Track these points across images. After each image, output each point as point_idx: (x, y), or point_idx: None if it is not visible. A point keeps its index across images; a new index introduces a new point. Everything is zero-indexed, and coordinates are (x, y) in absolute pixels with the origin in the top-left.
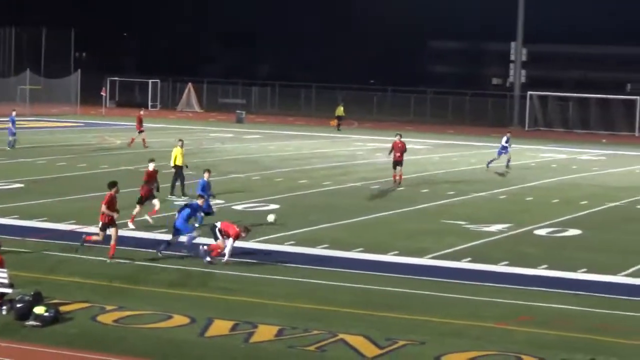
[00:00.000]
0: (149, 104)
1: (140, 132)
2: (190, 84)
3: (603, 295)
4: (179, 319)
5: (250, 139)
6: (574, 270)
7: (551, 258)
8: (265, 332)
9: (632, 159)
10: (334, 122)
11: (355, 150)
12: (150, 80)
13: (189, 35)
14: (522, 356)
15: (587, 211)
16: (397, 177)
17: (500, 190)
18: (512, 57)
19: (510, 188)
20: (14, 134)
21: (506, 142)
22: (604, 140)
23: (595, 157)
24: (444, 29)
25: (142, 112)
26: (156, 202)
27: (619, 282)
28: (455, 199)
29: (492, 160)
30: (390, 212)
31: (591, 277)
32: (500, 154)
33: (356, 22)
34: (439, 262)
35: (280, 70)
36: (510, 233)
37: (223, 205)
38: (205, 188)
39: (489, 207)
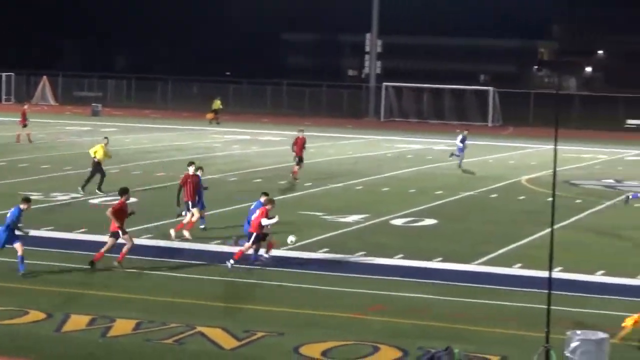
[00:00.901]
0: (3, 97)
1: (24, 126)
2: (44, 77)
3: (458, 283)
4: (34, 315)
5: (106, 132)
6: (430, 259)
7: (407, 248)
8: (122, 326)
9: (485, 148)
10: (211, 116)
11: (213, 142)
12: (3, 74)
13: (44, 27)
14: (380, 345)
15: (443, 201)
16: (294, 172)
17: (356, 181)
18: (367, 49)
19: (367, 179)
20: None
21: (461, 140)
22: (457, 131)
23: (450, 147)
24: (298, 21)
25: (26, 107)
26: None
27: (473, 270)
28: (313, 190)
29: (460, 161)
30: (248, 204)
31: (446, 266)
32: (461, 151)
33: (212, 15)
34: (296, 253)
35: (136, 63)
36: (366, 223)
37: (81, 199)
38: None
39: (345, 198)
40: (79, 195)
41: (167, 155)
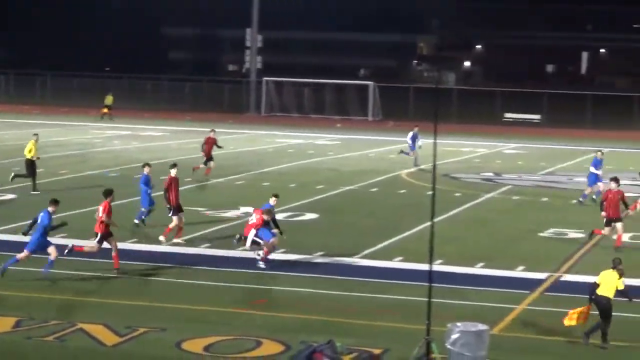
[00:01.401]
0: None
1: None
2: None
3: (340, 277)
4: None
5: None
6: (311, 253)
7: (289, 242)
8: (2, 324)
9: (366, 143)
10: (104, 111)
11: (92, 138)
12: None
13: None
14: (262, 339)
15: (323, 195)
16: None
17: (237, 176)
18: (248, 44)
19: (247, 174)
20: None
21: (412, 138)
22: (338, 125)
23: (331, 141)
24: (178, 15)
25: None
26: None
27: (354, 264)
28: (193, 185)
29: (415, 158)
30: (129, 199)
31: (328, 260)
32: (412, 149)
33: (91, 9)
34: (177, 248)
35: (14, 58)
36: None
37: None
38: (148, 183)
39: (226, 193)
40: None
41: (46, 152)
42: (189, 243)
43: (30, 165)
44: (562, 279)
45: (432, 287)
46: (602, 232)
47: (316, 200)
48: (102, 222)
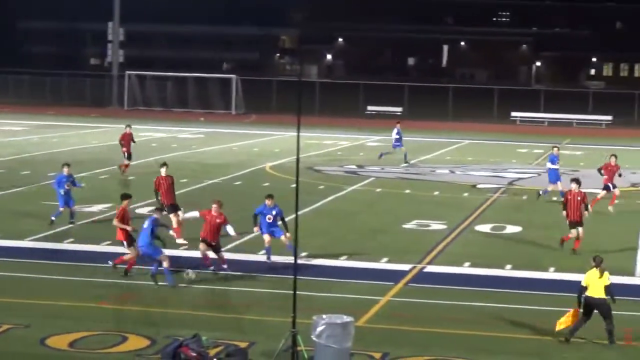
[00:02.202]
0: None
1: None
2: None
3: (205, 271)
4: None
5: None
6: (176, 248)
7: None
8: None
9: (229, 136)
10: None
11: None
12: None
13: None
14: (127, 335)
15: (188, 189)
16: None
17: (102, 170)
18: (110, 37)
19: (111, 168)
20: None
21: (397, 134)
22: (201, 119)
23: (194, 135)
24: (38, 8)
25: None
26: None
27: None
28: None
29: (385, 153)
30: None
31: (190, 254)
32: (395, 147)
33: None
34: (41, 244)
35: None
36: (111, 213)
37: None
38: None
39: (90, 187)
40: None
41: None
42: (52, 238)
43: None
44: (425, 270)
45: (297, 279)
46: (570, 236)
47: (180, 194)
48: (120, 228)
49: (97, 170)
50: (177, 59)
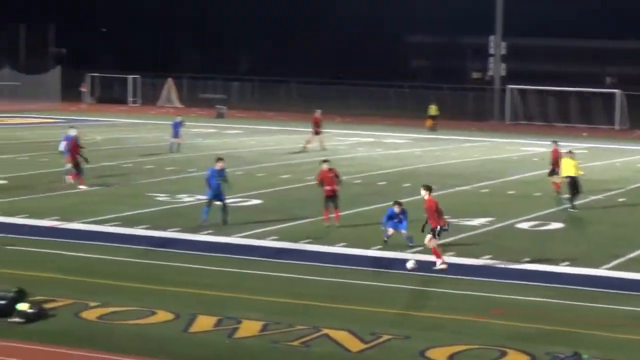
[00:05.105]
0: (129, 99)
1: (317, 134)
2: (170, 79)
3: (583, 288)
4: (162, 315)
5: (231, 134)
6: (557, 263)
7: (533, 251)
8: (249, 328)
9: (612, 152)
10: (430, 123)
11: (337, 145)
12: (130, 76)
13: (168, 29)
14: (507, 349)
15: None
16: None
17: (481, 184)
18: (491, 51)
19: (491, 182)
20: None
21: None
22: (584, 134)
23: (576, 150)
24: (419, 23)
25: (317, 114)
26: None
27: (598, 274)
28: (437, 192)
29: None
30: (374, 206)
31: (573, 270)
32: None
33: (332, 17)
34: (424, 256)
35: (259, 65)
36: (492, 227)
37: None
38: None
39: (470, 201)
40: (205, 197)
41: (290, 158)
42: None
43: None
44: None
45: None
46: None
47: (561, 209)
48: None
49: (478, 184)
50: (557, 73)
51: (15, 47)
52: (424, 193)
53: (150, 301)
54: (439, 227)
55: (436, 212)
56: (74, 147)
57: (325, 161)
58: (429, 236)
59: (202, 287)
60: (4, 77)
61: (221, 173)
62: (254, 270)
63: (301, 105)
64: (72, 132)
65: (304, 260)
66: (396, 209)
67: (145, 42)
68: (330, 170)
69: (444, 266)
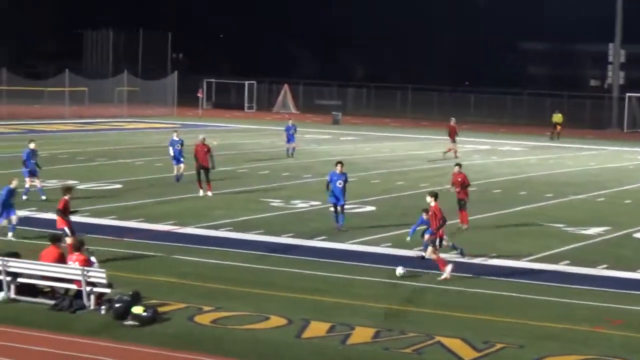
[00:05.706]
0: (245, 105)
1: (454, 141)
2: (286, 86)
3: None
4: (275, 320)
5: (346, 141)
6: None
7: None
8: (361, 334)
9: None
10: (556, 129)
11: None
12: (246, 82)
13: (283, 36)
14: None
15: None
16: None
17: (597, 192)
18: (610, 59)
19: (608, 191)
20: None
21: None
22: None
23: None
24: (539, 29)
25: (452, 122)
26: None
27: None
28: (553, 201)
29: None
30: (489, 214)
31: None
32: None
33: (449, 23)
34: (537, 265)
35: (375, 72)
36: (608, 236)
37: (324, 206)
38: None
39: (586, 210)
40: (318, 203)
41: (405, 165)
42: (546, 259)
43: None
44: None
45: None
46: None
47: None
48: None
49: (594, 193)
50: None
51: (133, 52)
52: (429, 200)
53: (264, 306)
54: (438, 238)
55: (440, 219)
56: (204, 153)
57: (458, 165)
58: (430, 248)
59: (314, 293)
60: (123, 83)
61: (341, 177)
62: (365, 277)
63: (417, 112)
64: (200, 137)
65: (415, 267)
66: (425, 216)
67: (261, 48)
68: (459, 174)
69: (448, 276)
